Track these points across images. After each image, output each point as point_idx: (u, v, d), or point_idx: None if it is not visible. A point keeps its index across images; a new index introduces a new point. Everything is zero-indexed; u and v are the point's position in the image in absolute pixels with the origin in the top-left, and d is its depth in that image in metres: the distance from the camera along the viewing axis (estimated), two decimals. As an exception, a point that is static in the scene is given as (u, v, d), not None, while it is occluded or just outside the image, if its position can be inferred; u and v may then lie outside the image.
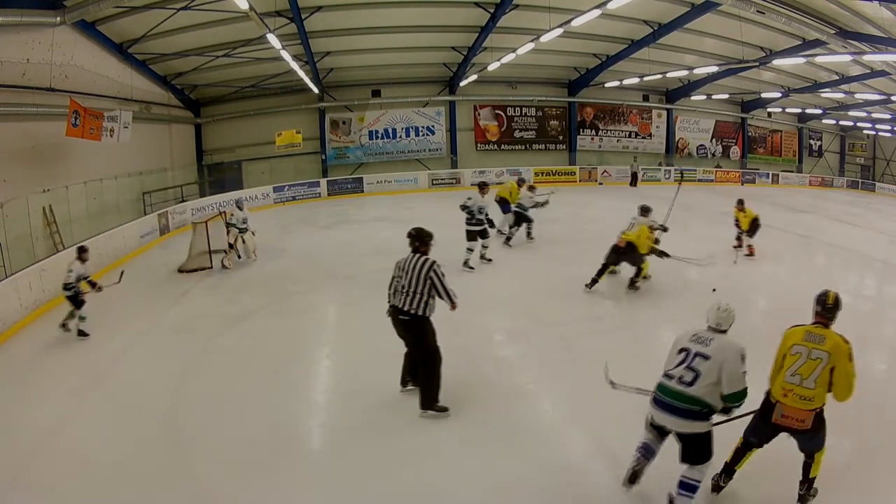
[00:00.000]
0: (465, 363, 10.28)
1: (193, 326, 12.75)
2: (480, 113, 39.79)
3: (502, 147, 40.47)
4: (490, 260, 16.97)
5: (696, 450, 6.19)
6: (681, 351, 6.42)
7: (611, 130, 42.38)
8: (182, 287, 16.02)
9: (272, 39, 20.63)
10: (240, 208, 18.75)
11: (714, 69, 31.58)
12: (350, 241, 20.49)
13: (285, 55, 23.56)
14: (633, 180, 39.74)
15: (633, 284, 14.51)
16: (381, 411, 8.60)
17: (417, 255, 8.52)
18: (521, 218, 19.75)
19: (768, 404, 6.05)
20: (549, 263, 16.92)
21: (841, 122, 46.72)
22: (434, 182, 37.31)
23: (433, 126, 38.95)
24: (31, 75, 19.05)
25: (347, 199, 34.16)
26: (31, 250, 17.77)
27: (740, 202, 19.03)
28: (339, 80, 35.68)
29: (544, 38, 22.30)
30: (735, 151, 45.98)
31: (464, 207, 16.26)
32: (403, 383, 9.08)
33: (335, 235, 22.29)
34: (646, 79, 32.07)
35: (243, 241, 18.60)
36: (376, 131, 38.32)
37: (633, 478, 6.63)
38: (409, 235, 8.70)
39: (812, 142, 49.57)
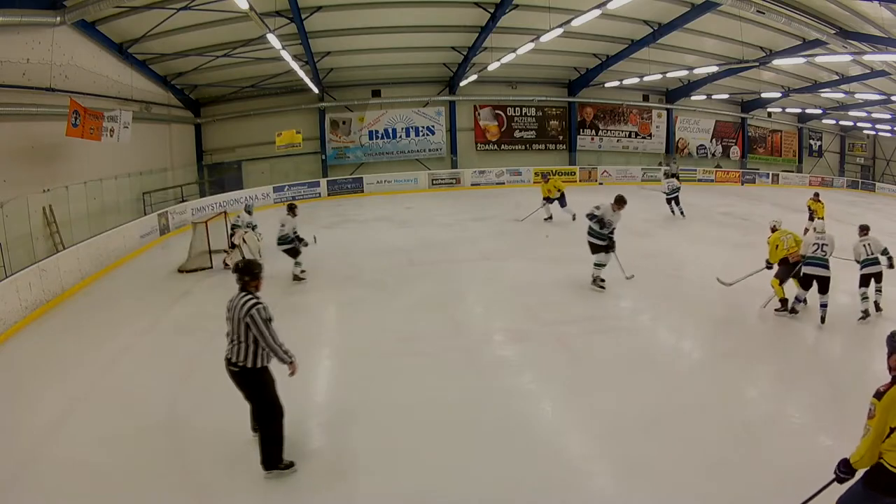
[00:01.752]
0: (465, 363, 10.33)
1: (194, 326, 12.74)
2: (480, 113, 39.78)
3: (502, 147, 40.44)
4: (631, 277, 15.13)
5: (828, 285, 12.05)
6: (814, 244, 12.33)
7: (611, 130, 42.36)
8: (182, 287, 16.03)
9: (272, 39, 20.62)
10: (248, 213, 19.23)
11: (714, 69, 31.61)
12: (350, 240, 20.50)
13: (285, 55, 23.55)
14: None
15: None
16: (382, 410, 8.60)
17: (242, 295, 7.21)
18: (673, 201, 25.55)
19: (887, 474, 5.08)
20: (548, 264, 16.90)
21: (841, 122, 46.72)
22: (434, 182, 37.32)
23: (433, 126, 38.94)
24: (31, 75, 19.04)
25: (347, 198, 34.18)
26: (31, 250, 17.76)
27: (816, 195, 22.78)
28: (339, 80, 35.68)
29: (544, 38, 22.28)
30: (735, 151, 45.95)
31: (591, 216, 14.43)
32: (255, 429, 8.00)
33: (335, 235, 22.28)
34: (646, 79, 32.04)
35: (244, 242, 18.66)
36: (376, 131, 38.31)
37: (793, 312, 12.66)
38: (236, 270, 7.37)
39: (812, 142, 49.55)
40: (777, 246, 13.02)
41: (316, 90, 34.11)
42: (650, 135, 43.20)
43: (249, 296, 7.15)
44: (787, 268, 12.89)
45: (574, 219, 22.69)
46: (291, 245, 16.05)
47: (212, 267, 17.68)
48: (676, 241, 19.85)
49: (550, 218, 23.71)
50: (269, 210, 29.91)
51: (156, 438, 8.08)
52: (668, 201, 25.71)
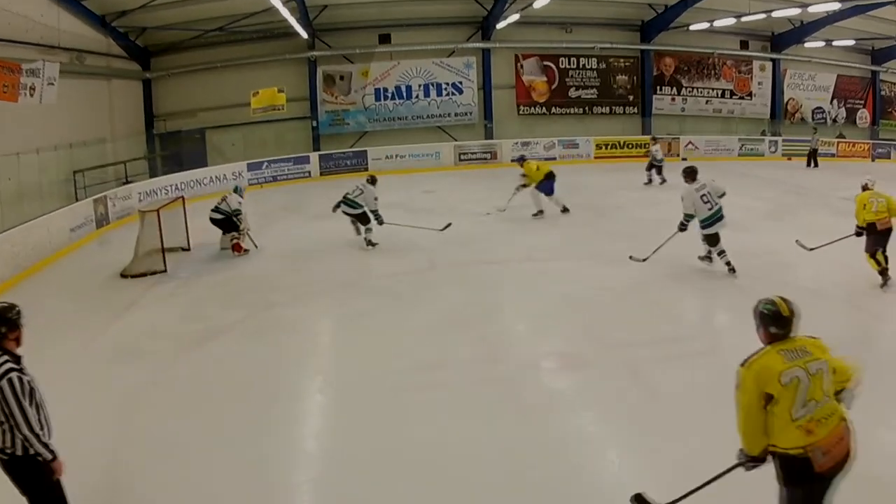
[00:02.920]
0: (503, 400, 10.19)
1: (141, 349, 12.64)
2: (524, 65, 39.83)
3: (553, 111, 40.49)
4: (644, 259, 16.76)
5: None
6: (702, 198, 14.93)
7: (698, 88, 42.29)
8: (126, 297, 15.99)
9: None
10: (235, 191, 20.05)
11: (836, 6, 31.24)
12: (350, 235, 20.45)
13: (263, -14, 23.57)
14: (812, 160, 37.64)
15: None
16: (393, 463, 8.46)
17: None
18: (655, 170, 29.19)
19: (795, 462, 5.68)
20: (611, 265, 16.80)
21: None
22: (462, 157, 37.39)
23: (461, 83, 39.01)
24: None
25: (346, 179, 34.08)
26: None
27: None
28: (336, 20, 35.78)
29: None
30: (863, 116, 45.57)
31: (683, 224, 16.11)
32: None
33: (330, 228, 22.20)
34: (744, 19, 31.93)
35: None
36: (385, 89, 38.44)
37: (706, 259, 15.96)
38: None
39: (972, 102, 48.95)
40: (864, 206, 14.49)
41: (305, 34, 34.14)
42: (750, 94, 43.07)
43: (3, 357, 6.28)
44: (875, 237, 14.35)
45: (565, 211, 23.16)
46: (362, 211, 19.35)
47: (165, 270, 17.68)
48: (785, 237, 19.57)
49: (540, 213, 23.39)
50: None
51: (91, 500, 7.95)
52: (650, 168, 29.66)
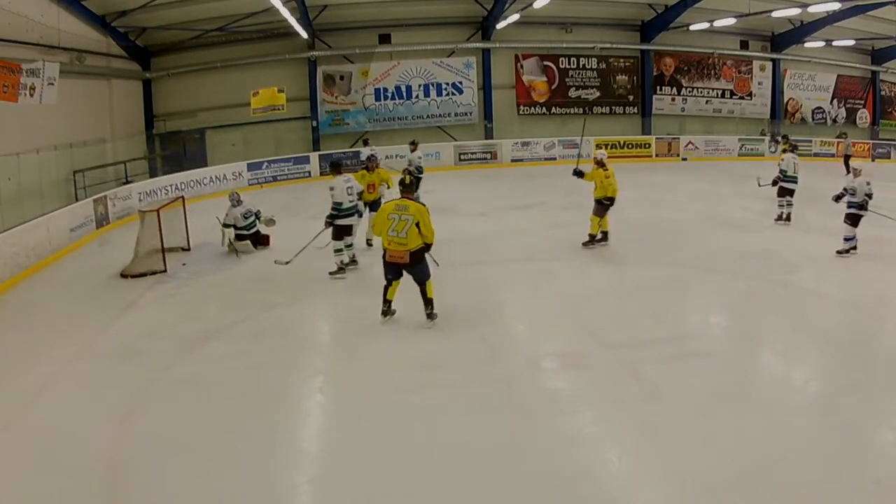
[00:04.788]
0: (502, 398, 10.13)
1: (141, 350, 12.54)
2: (524, 65, 39.76)
3: (553, 110, 40.42)
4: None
5: None
6: (347, 189, 16.91)
7: (697, 88, 42.21)
8: (126, 297, 15.90)
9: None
10: (237, 203, 19.89)
11: (836, 6, 31.15)
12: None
13: (263, -14, 23.53)
14: (848, 165, 35.47)
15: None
16: (393, 461, 8.42)
17: None
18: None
19: (384, 250, 12.31)
20: (614, 266, 16.75)
21: None
22: (462, 157, 37.36)
23: (461, 82, 38.95)
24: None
25: (346, 179, 34.10)
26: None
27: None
28: (336, 20, 35.72)
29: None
30: (863, 116, 45.49)
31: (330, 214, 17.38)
32: None
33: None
34: (744, 19, 31.80)
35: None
36: (385, 89, 38.38)
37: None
38: None
39: (971, 103, 48.82)
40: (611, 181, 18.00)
41: (304, 34, 34.12)
42: (750, 94, 43.00)
43: None
44: (607, 206, 18.08)
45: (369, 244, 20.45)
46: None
47: (165, 270, 17.62)
48: (785, 236, 19.61)
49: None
50: (243, 194, 29.80)
51: (92, 501, 7.93)
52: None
